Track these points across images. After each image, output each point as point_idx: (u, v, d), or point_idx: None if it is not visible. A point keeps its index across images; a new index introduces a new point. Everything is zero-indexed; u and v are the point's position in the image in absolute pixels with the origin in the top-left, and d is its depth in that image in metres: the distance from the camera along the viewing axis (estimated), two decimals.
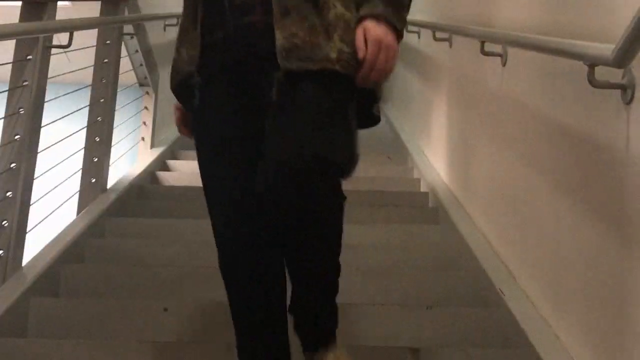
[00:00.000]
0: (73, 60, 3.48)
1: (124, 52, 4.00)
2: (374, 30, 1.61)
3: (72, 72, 3.44)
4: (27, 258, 2.73)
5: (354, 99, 1.67)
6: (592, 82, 1.80)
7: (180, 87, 1.84)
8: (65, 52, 2.92)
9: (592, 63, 1.78)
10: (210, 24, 1.71)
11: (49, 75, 2.79)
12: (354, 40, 1.61)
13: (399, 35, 1.64)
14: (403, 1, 1.70)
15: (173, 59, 1.83)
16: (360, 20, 1.63)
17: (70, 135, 3.39)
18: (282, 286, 1.77)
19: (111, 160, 3.74)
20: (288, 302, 1.77)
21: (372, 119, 1.81)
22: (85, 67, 3.61)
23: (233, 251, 1.77)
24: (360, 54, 1.60)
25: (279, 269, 1.75)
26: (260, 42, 1.63)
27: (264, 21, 1.62)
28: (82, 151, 3.53)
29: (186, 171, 4.60)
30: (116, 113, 3.79)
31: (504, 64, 2.83)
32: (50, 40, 2.78)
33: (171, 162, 4.69)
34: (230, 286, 1.81)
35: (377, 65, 1.61)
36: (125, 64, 4.07)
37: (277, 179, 1.53)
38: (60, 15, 2.86)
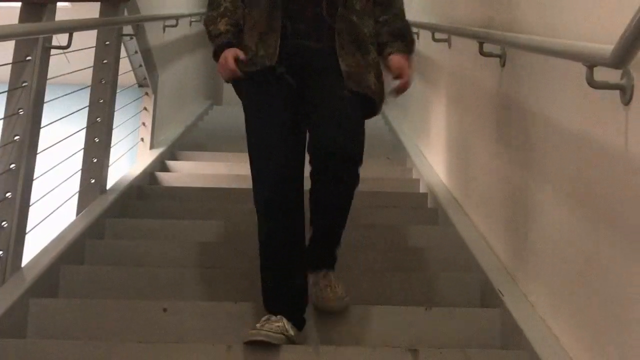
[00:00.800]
0: (72, 61, 3.49)
1: (123, 53, 4.00)
2: (404, 61, 2.47)
3: (71, 72, 3.43)
4: (26, 259, 2.73)
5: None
6: (591, 82, 1.80)
7: (256, 74, 2.41)
8: (64, 52, 2.92)
9: (591, 64, 1.78)
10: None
11: (49, 76, 2.79)
12: (381, 77, 2.47)
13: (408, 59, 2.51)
14: (412, 43, 2.60)
15: (249, 53, 2.41)
16: (389, 54, 2.48)
17: (70, 135, 3.39)
18: (303, 231, 2.40)
19: (110, 161, 3.75)
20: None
21: (375, 112, 2.55)
22: (85, 68, 3.61)
23: (278, 190, 2.32)
24: (397, 77, 2.47)
25: (302, 216, 2.40)
26: (313, 59, 2.42)
27: (316, 47, 2.42)
28: (82, 152, 3.53)
29: (185, 172, 4.60)
30: (115, 114, 3.79)
31: (502, 65, 2.84)
32: (50, 41, 2.78)
33: (170, 163, 4.70)
34: (268, 220, 2.36)
35: (406, 84, 2.46)
36: (124, 64, 4.08)
37: (328, 157, 2.28)
38: (60, 16, 2.86)
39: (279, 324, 2.30)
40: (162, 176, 4.40)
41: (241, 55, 2.38)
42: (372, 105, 2.45)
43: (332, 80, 2.37)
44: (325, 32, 2.40)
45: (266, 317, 2.34)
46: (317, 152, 2.29)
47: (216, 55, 2.43)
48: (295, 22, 2.40)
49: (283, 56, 2.38)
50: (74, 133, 3.50)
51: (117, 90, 3.80)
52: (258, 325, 2.30)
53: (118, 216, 3.54)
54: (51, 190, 3.10)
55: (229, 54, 2.38)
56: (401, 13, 2.59)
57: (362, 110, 2.40)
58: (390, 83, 2.48)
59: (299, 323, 2.38)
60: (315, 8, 2.40)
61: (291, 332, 2.31)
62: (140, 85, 4.65)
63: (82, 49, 3.37)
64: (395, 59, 2.46)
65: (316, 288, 2.49)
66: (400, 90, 2.44)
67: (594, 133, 1.94)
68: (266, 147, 2.36)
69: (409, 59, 2.49)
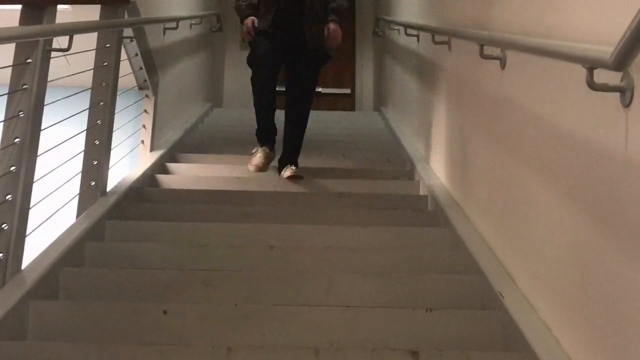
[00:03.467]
0: (73, 63, 3.49)
1: (123, 55, 4.01)
2: (335, 26, 4.29)
3: (71, 75, 3.44)
4: (26, 261, 2.73)
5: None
6: (591, 84, 1.80)
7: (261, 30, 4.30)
8: (65, 55, 2.92)
9: (591, 66, 1.79)
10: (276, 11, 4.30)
11: (49, 79, 2.79)
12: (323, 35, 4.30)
13: (342, 27, 4.32)
14: (344, 15, 4.41)
15: (260, 18, 4.30)
16: (329, 21, 4.30)
17: (70, 138, 3.39)
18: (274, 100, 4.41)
19: (111, 163, 3.75)
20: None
21: (328, 59, 4.42)
22: (85, 71, 3.61)
23: (264, 77, 4.28)
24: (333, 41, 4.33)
25: (274, 92, 4.40)
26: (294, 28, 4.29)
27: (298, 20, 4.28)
28: (82, 154, 3.53)
29: (186, 174, 4.60)
30: (116, 116, 3.79)
31: (503, 67, 2.84)
32: (50, 43, 2.78)
33: (171, 165, 4.70)
34: (259, 94, 4.34)
35: (334, 42, 4.31)
36: (124, 67, 4.08)
37: (296, 88, 4.37)
38: (60, 18, 2.86)
39: (266, 151, 4.36)
40: (162, 178, 4.40)
41: (255, 22, 4.28)
42: (324, 52, 4.37)
43: (301, 40, 4.27)
44: (298, 10, 4.28)
45: (257, 149, 4.42)
46: (291, 86, 4.40)
47: (242, 23, 4.37)
48: (282, 4, 4.30)
49: (276, 23, 4.30)
50: (74, 135, 3.50)
51: (118, 93, 3.80)
52: (254, 158, 4.37)
53: (118, 218, 3.54)
54: (51, 193, 3.10)
55: (249, 20, 4.31)
56: (342, 1, 4.37)
57: (319, 56, 4.37)
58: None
59: (271, 148, 4.42)
60: None
61: (270, 153, 4.39)
62: (140, 88, 4.65)
63: (82, 52, 3.37)
64: (331, 25, 4.30)
65: (282, 170, 4.35)
66: (329, 41, 4.31)
67: (594, 135, 1.94)
68: (261, 53, 4.25)
69: (339, 25, 4.32)
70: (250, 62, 4.34)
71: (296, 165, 4.35)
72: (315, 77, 4.38)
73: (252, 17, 4.28)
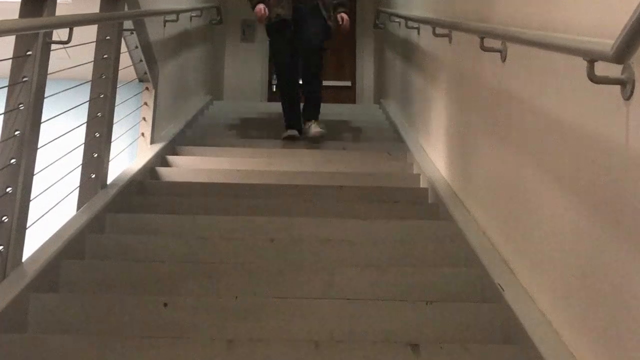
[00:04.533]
0: (73, 56, 3.48)
1: (123, 47, 4.00)
2: (346, 16, 5.19)
3: (72, 67, 3.43)
4: (27, 254, 2.73)
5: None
6: (592, 77, 1.80)
7: (274, 21, 5.01)
8: (65, 47, 2.92)
9: (592, 59, 1.78)
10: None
11: (49, 71, 2.78)
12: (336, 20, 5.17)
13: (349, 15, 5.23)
14: (347, 6, 5.25)
15: (273, 12, 5.01)
16: (337, 13, 5.16)
17: (70, 130, 3.39)
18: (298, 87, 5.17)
19: (111, 156, 3.75)
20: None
21: (330, 36, 5.11)
22: (85, 63, 3.61)
23: (286, 66, 5.05)
24: (342, 22, 5.19)
25: (297, 82, 5.14)
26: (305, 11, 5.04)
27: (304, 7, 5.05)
28: (82, 147, 3.53)
29: (186, 167, 4.60)
30: (116, 109, 3.79)
31: (503, 60, 2.83)
32: (50, 36, 2.78)
33: (171, 158, 4.70)
34: (284, 84, 5.13)
35: (346, 26, 5.21)
36: (125, 59, 4.07)
37: (307, 51, 4.97)
38: (60, 11, 2.86)
39: (293, 132, 5.11)
40: (163, 171, 4.40)
41: (264, 9, 4.99)
42: (329, 29, 5.09)
43: (312, 21, 5.02)
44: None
45: (287, 132, 5.15)
46: (303, 49, 5.01)
47: (254, 8, 5.02)
48: None
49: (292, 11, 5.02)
50: (75, 128, 3.50)
51: (118, 85, 3.80)
52: (283, 134, 5.15)
53: (118, 211, 3.54)
54: (52, 185, 3.10)
55: (261, 6, 4.99)
56: None
57: (324, 32, 5.06)
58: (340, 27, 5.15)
59: (299, 131, 5.14)
60: None
61: (297, 134, 5.12)
62: (140, 80, 4.65)
63: (82, 44, 3.37)
64: (344, 15, 5.16)
65: (307, 127, 5.10)
66: (343, 28, 5.18)
67: (595, 128, 1.94)
68: (280, 51, 5.08)
69: (346, 13, 5.19)
70: (273, 58, 5.45)
71: (317, 120, 5.12)
72: (322, 51, 5.06)
73: (262, 5, 4.98)
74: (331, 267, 2.91)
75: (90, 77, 3.61)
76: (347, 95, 8.16)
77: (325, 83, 6.93)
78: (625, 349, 1.75)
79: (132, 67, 4.49)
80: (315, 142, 5.03)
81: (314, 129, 5.02)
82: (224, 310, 2.56)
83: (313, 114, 5.14)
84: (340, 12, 5.11)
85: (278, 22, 4.97)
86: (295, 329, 2.52)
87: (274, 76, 6.97)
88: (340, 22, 5.11)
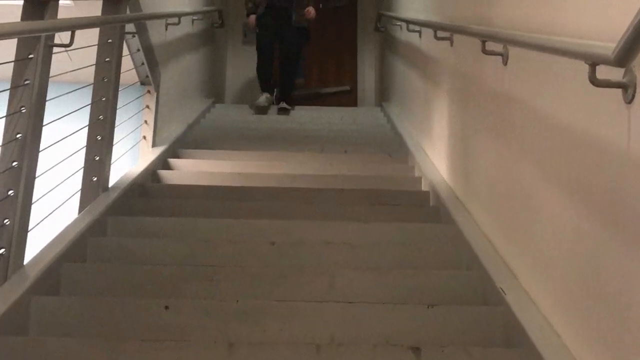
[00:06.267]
0: (75, 59, 3.49)
1: (125, 50, 4.00)
2: (311, 8, 6.70)
3: (73, 70, 3.44)
4: (28, 257, 2.73)
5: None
6: (593, 81, 1.80)
7: (260, 16, 6.63)
8: (67, 50, 2.92)
9: (594, 62, 1.78)
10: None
11: (51, 74, 2.79)
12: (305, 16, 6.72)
13: (317, 9, 6.79)
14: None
15: (261, 8, 6.64)
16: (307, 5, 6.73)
17: (72, 134, 3.39)
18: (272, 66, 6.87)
19: (113, 159, 3.75)
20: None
21: (308, 38, 6.83)
22: (87, 66, 3.61)
23: (265, 54, 6.71)
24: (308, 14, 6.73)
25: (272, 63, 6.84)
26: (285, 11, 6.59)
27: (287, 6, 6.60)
28: (84, 150, 3.53)
29: (188, 170, 4.60)
30: (118, 112, 3.79)
31: (505, 63, 2.84)
32: (52, 39, 2.78)
33: (172, 161, 4.70)
34: (261, 62, 6.77)
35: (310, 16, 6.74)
36: (126, 62, 4.08)
37: (286, 52, 6.70)
38: (62, 14, 2.86)
39: (267, 96, 6.73)
40: (164, 174, 4.40)
41: (254, 21, 6.64)
42: (305, 30, 6.65)
43: (289, 22, 6.48)
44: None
45: (262, 95, 6.74)
46: (281, 53, 6.63)
47: (247, 17, 6.68)
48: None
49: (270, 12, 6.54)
50: (76, 131, 3.50)
51: (120, 88, 3.80)
52: (259, 99, 6.72)
53: (120, 214, 3.54)
54: (53, 188, 3.10)
55: (252, 17, 6.60)
56: None
57: (300, 34, 6.61)
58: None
59: (271, 94, 6.77)
60: None
61: (270, 97, 6.77)
62: (142, 83, 4.65)
63: (84, 47, 3.37)
64: (309, 9, 6.60)
65: (279, 105, 6.70)
66: (309, 16, 6.60)
67: (597, 131, 1.94)
68: (263, 43, 6.64)
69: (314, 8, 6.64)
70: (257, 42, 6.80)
71: (286, 102, 6.74)
72: (299, 43, 6.69)
73: (253, 15, 6.63)
74: (332, 270, 2.90)
75: (92, 80, 3.61)
76: (349, 98, 8.17)
77: (325, 90, 8.01)
78: (627, 351, 1.75)
79: (134, 70, 4.49)
80: (283, 114, 6.60)
81: (282, 105, 6.70)
82: (225, 313, 2.56)
83: (284, 95, 6.79)
84: (309, 6, 6.63)
85: (263, 19, 6.58)
86: (297, 332, 2.52)
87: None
88: (307, 15, 6.59)
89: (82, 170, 3.52)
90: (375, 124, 6.46)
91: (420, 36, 4.99)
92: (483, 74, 3.17)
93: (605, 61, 1.67)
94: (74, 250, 2.99)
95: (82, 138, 3.54)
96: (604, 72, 1.78)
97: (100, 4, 3.66)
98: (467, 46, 3.44)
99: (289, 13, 6.46)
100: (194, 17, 5.94)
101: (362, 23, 8.23)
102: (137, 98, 4.69)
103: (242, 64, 8.12)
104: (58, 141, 3.13)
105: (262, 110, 6.63)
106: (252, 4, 6.60)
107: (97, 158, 3.54)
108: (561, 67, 2.20)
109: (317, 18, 6.77)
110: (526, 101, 2.59)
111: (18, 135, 2.63)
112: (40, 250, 2.86)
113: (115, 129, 3.75)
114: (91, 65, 3.62)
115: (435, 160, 4.27)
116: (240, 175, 4.34)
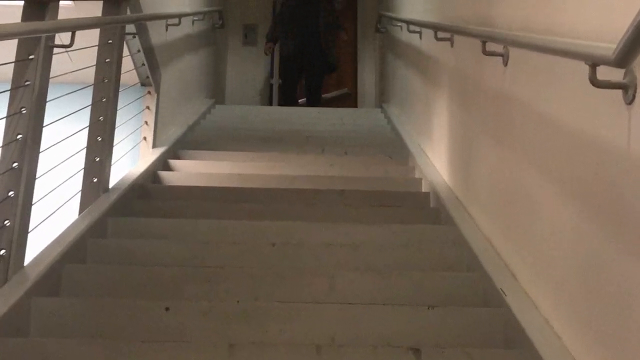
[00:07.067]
0: (75, 59, 3.49)
1: (125, 51, 4.00)
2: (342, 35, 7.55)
3: (74, 71, 3.44)
4: (29, 258, 2.73)
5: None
6: (594, 82, 1.80)
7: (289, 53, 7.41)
8: (67, 51, 2.92)
9: (594, 63, 1.78)
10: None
11: (51, 75, 2.78)
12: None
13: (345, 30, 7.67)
14: (340, 26, 7.53)
15: (288, 41, 7.32)
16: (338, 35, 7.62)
17: (72, 134, 3.39)
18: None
19: (113, 160, 3.75)
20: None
21: (332, 69, 7.51)
22: (87, 67, 3.61)
23: (291, 76, 7.51)
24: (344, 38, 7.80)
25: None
26: (312, 45, 7.25)
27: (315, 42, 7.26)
28: (84, 151, 3.53)
29: (188, 171, 4.60)
30: (118, 113, 3.79)
31: (505, 64, 2.83)
32: (53, 39, 2.78)
33: (173, 162, 4.70)
34: (286, 89, 7.65)
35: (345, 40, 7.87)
36: (127, 63, 4.08)
37: (310, 83, 7.53)
38: (63, 14, 2.86)
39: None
40: (165, 175, 4.40)
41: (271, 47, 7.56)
42: (330, 65, 7.37)
43: (316, 57, 7.20)
44: (314, 36, 7.16)
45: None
46: (307, 83, 7.45)
47: (266, 45, 7.52)
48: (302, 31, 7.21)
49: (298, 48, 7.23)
50: (77, 132, 3.50)
51: (120, 89, 3.80)
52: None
53: (120, 215, 3.54)
54: (54, 189, 3.10)
55: (268, 45, 7.47)
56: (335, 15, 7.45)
57: (324, 70, 7.40)
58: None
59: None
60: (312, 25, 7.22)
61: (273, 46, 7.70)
62: (142, 84, 4.65)
63: (84, 48, 3.37)
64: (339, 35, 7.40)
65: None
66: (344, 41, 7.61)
67: (597, 132, 1.94)
68: (288, 72, 7.47)
69: (341, 31, 7.41)
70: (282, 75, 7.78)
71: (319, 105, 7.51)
72: (323, 74, 7.44)
73: (271, 43, 7.44)
74: (332, 271, 2.90)
75: (92, 81, 3.61)
76: (349, 100, 8.17)
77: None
78: (627, 352, 1.75)
79: (134, 70, 4.49)
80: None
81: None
82: (225, 315, 2.56)
83: (317, 101, 7.47)
84: (339, 34, 7.32)
85: (287, 55, 7.30)
86: (297, 333, 2.52)
87: (274, 77, 8.33)
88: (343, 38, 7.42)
89: (82, 171, 3.52)
90: (375, 125, 6.46)
91: (420, 37, 4.99)
92: (483, 75, 3.17)
93: (606, 62, 1.66)
94: (75, 251, 2.98)
95: (82, 139, 3.54)
96: (604, 73, 1.78)
97: (100, 5, 3.66)
98: (467, 47, 3.44)
99: (317, 51, 7.11)
100: (194, 18, 5.94)
101: (362, 24, 8.23)
102: (138, 99, 4.69)
103: (243, 65, 8.13)
104: (58, 142, 3.13)
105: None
106: (272, 35, 7.32)
107: (98, 159, 3.54)
108: (562, 68, 2.20)
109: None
110: (526, 102, 2.59)
111: (18, 136, 2.63)
112: (41, 252, 2.86)
113: (116, 130, 3.75)
114: (91, 66, 3.62)
115: (436, 161, 4.27)
116: (241, 177, 4.34)
